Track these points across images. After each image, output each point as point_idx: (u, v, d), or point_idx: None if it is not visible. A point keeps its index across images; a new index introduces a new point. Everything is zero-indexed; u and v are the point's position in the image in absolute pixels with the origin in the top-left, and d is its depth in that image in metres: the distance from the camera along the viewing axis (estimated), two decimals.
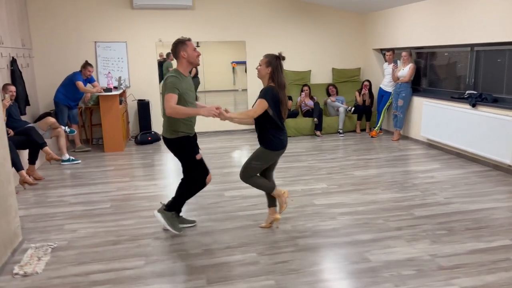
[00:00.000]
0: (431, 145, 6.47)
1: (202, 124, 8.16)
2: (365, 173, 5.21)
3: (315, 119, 7.53)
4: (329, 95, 7.90)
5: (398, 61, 7.05)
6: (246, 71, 8.19)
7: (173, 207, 3.50)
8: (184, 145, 3.34)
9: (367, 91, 7.69)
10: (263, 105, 3.21)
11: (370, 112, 7.76)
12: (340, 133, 7.65)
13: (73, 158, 6.04)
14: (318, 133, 7.59)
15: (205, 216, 3.92)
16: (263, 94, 3.24)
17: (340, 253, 3.15)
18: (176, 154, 3.40)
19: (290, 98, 7.83)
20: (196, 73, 8.25)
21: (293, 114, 7.65)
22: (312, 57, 8.31)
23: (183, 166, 3.46)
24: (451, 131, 5.87)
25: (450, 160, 5.70)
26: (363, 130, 7.90)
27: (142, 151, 6.77)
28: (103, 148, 6.69)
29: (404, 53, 6.81)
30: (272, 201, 3.60)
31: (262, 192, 3.68)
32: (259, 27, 7.98)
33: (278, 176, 5.06)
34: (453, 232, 3.43)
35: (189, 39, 3.30)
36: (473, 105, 5.46)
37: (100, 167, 5.78)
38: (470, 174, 5.05)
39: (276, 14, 8.02)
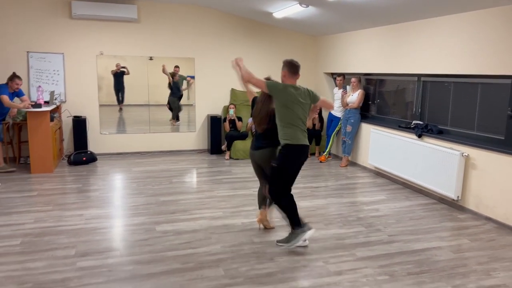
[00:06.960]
0: (379, 173, 6.37)
1: (143, 143, 7.73)
2: (311, 203, 4.96)
3: None
4: None
5: (348, 87, 6.95)
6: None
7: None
8: None
9: (317, 115, 7.54)
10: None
11: (320, 136, 7.61)
12: None
13: None
14: None
15: (128, 257, 3.49)
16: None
17: None
18: None
19: (240, 119, 7.55)
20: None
21: (242, 136, 7.36)
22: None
23: None
24: (397, 161, 5.78)
25: (396, 190, 5.59)
26: (312, 154, 7.73)
27: (74, 173, 6.20)
28: (30, 169, 6.07)
29: (353, 79, 6.73)
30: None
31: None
32: (208, 44, 7.67)
33: (220, 206, 4.73)
34: (395, 278, 3.21)
35: None
36: (419, 136, 5.40)
37: (22, 192, 5.18)
38: (416, 207, 4.92)
39: (226, 32, 7.76)
